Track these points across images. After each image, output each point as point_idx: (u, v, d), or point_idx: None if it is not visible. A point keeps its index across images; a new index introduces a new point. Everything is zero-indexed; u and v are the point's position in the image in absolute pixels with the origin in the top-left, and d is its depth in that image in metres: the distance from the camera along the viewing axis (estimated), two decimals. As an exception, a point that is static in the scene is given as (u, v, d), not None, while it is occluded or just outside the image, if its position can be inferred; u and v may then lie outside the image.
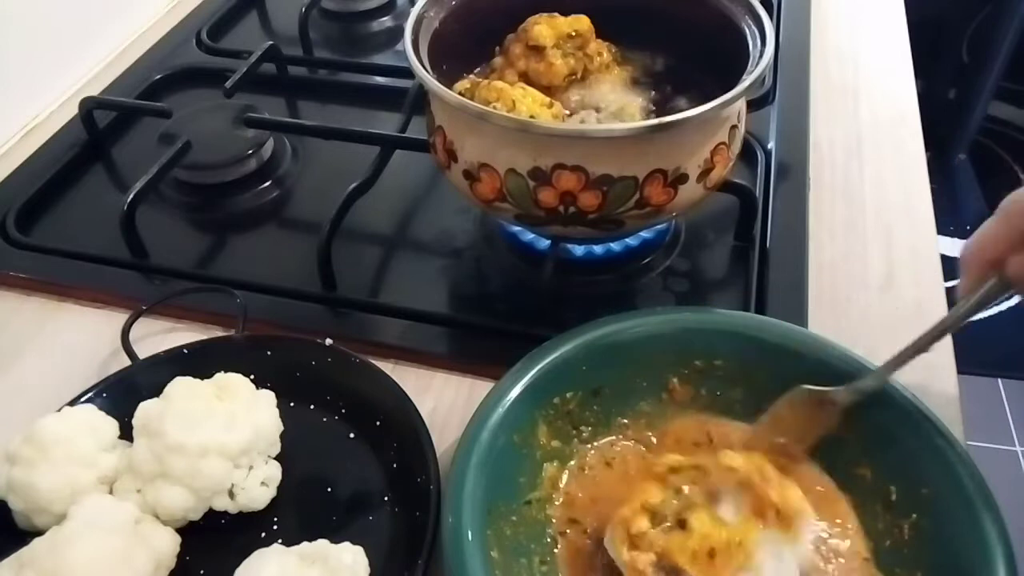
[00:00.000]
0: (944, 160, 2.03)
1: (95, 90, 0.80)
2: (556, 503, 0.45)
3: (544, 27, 0.59)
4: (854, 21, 0.88)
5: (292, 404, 0.51)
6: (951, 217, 1.96)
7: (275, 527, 0.46)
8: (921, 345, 0.44)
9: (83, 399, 0.50)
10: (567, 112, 0.59)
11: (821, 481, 0.46)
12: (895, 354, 0.44)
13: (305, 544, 0.42)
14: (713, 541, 0.39)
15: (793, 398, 0.46)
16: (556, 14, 0.60)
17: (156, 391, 0.47)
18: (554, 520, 0.45)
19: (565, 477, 0.46)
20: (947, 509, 0.41)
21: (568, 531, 0.44)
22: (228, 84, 0.71)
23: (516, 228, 0.62)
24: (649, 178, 0.49)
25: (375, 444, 0.49)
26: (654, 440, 0.48)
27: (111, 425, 0.47)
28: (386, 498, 0.47)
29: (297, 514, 0.47)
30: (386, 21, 0.92)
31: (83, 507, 0.42)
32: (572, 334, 0.48)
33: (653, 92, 0.62)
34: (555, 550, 0.43)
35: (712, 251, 0.63)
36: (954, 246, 1.89)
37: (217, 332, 0.57)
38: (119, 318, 0.57)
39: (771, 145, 0.69)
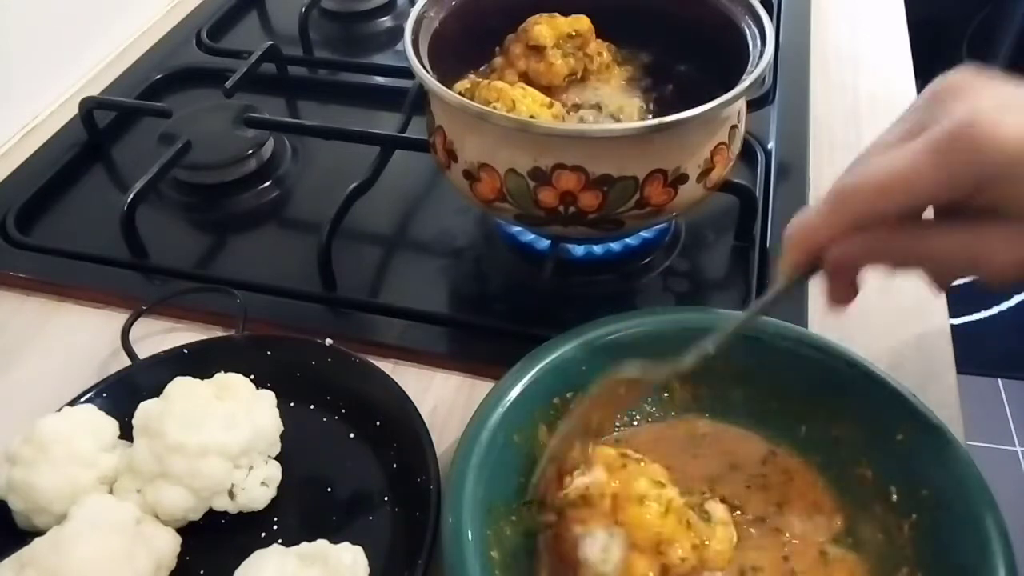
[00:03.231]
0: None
1: (95, 90, 0.80)
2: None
3: (544, 27, 0.59)
4: (854, 21, 0.88)
5: (292, 404, 0.51)
6: (951, 217, 1.96)
7: (275, 527, 0.46)
8: (744, 320, 0.43)
9: (83, 399, 0.50)
10: (567, 112, 0.59)
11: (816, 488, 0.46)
12: (708, 339, 0.42)
13: (305, 544, 0.42)
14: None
15: (608, 382, 0.43)
16: (556, 14, 0.60)
17: (156, 391, 0.47)
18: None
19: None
20: (947, 509, 0.41)
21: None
22: (228, 84, 0.71)
23: (516, 228, 0.62)
24: (649, 178, 0.49)
25: (375, 444, 0.49)
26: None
27: (111, 425, 0.47)
28: (386, 498, 0.47)
29: (297, 514, 0.47)
30: (386, 21, 0.92)
31: (84, 507, 0.42)
32: (572, 334, 0.48)
33: (653, 92, 0.62)
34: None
35: (712, 251, 0.63)
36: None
37: (217, 332, 0.57)
38: (119, 318, 0.57)
39: (771, 145, 0.69)
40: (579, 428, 0.44)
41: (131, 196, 0.62)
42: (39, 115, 0.80)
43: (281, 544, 0.44)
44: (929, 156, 0.35)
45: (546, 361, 0.46)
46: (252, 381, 0.49)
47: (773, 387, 0.47)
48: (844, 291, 0.41)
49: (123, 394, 0.50)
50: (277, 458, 0.48)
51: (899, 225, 0.37)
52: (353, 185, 0.62)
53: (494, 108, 0.51)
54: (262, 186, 0.71)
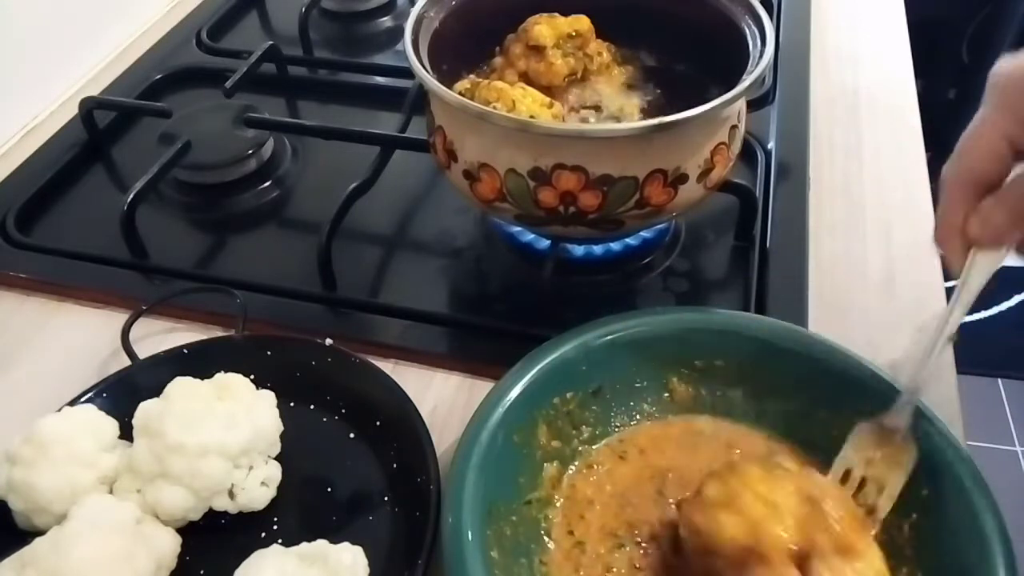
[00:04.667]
0: (944, 160, 2.03)
1: (95, 90, 0.80)
2: (556, 504, 0.45)
3: (544, 27, 0.59)
4: (854, 21, 0.88)
5: (292, 404, 0.51)
6: (951, 217, 1.96)
7: (275, 527, 0.46)
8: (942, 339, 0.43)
9: (83, 399, 0.50)
10: (567, 112, 0.59)
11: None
12: (918, 358, 0.43)
13: (305, 544, 0.42)
14: None
15: (854, 439, 0.44)
16: (556, 14, 0.60)
17: (156, 391, 0.47)
18: (556, 521, 0.45)
19: (566, 477, 0.46)
20: (947, 509, 0.41)
21: (561, 536, 0.44)
22: (228, 84, 0.71)
23: (516, 228, 0.61)
24: (649, 178, 0.49)
25: (375, 444, 0.49)
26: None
27: (111, 425, 0.47)
28: (386, 498, 0.47)
29: (297, 514, 0.47)
30: (386, 21, 0.92)
31: (84, 507, 0.42)
32: (572, 334, 0.48)
33: (653, 92, 0.62)
34: (550, 549, 0.43)
35: (712, 251, 0.63)
36: (954, 246, 1.89)
37: (217, 332, 0.57)
38: (119, 318, 0.57)
39: (771, 145, 0.69)
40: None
41: (131, 196, 0.62)
42: (39, 115, 0.80)
43: (281, 544, 0.44)
44: (990, 106, 0.40)
45: (546, 361, 0.46)
46: (252, 381, 0.49)
47: (773, 387, 0.47)
48: None
49: (123, 394, 0.50)
50: (277, 458, 0.48)
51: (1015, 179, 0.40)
52: (353, 185, 0.62)
53: (494, 108, 0.51)
54: (262, 186, 0.71)
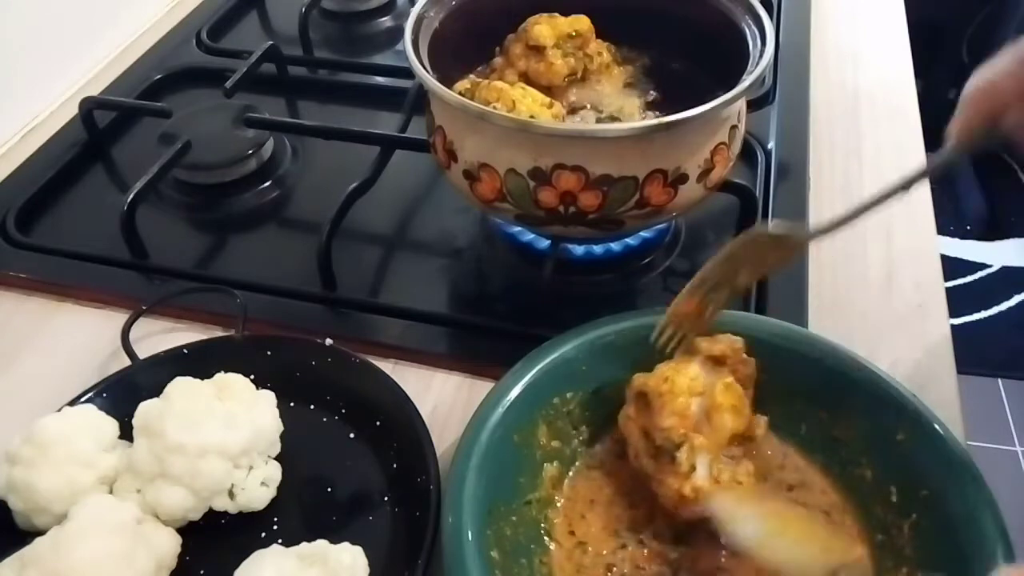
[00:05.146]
0: (944, 160, 2.03)
1: (95, 90, 0.80)
2: (557, 504, 0.45)
3: (544, 27, 0.59)
4: (854, 21, 0.88)
5: (292, 404, 0.51)
6: (951, 217, 1.96)
7: (275, 527, 0.46)
8: (902, 185, 0.42)
9: (83, 399, 0.50)
10: (567, 112, 0.59)
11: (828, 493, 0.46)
12: (872, 195, 0.43)
13: (304, 545, 0.42)
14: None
15: (752, 239, 0.45)
16: (556, 14, 0.60)
17: (156, 391, 0.47)
18: (556, 522, 0.45)
19: (567, 478, 0.46)
20: (947, 509, 0.41)
21: (563, 537, 0.44)
22: (228, 84, 0.71)
23: (516, 228, 0.61)
24: (649, 178, 0.49)
25: (375, 444, 0.49)
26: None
27: (111, 425, 0.47)
28: (386, 498, 0.47)
29: (297, 514, 0.47)
30: (386, 21, 0.92)
31: (85, 507, 0.42)
32: (572, 334, 0.48)
33: (653, 92, 0.62)
34: (551, 549, 0.43)
35: (712, 251, 0.62)
36: (954, 246, 1.89)
37: (217, 332, 0.57)
38: (119, 318, 0.57)
39: (771, 145, 0.69)
40: (724, 277, 0.45)
41: (131, 196, 0.62)
42: (39, 115, 0.80)
43: (281, 544, 0.44)
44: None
45: (546, 361, 0.46)
46: (252, 381, 0.49)
47: (773, 387, 0.47)
48: None
49: (123, 394, 0.50)
50: (277, 458, 0.48)
51: None
52: (353, 185, 0.62)
53: (494, 108, 0.51)
54: (262, 186, 0.71)
